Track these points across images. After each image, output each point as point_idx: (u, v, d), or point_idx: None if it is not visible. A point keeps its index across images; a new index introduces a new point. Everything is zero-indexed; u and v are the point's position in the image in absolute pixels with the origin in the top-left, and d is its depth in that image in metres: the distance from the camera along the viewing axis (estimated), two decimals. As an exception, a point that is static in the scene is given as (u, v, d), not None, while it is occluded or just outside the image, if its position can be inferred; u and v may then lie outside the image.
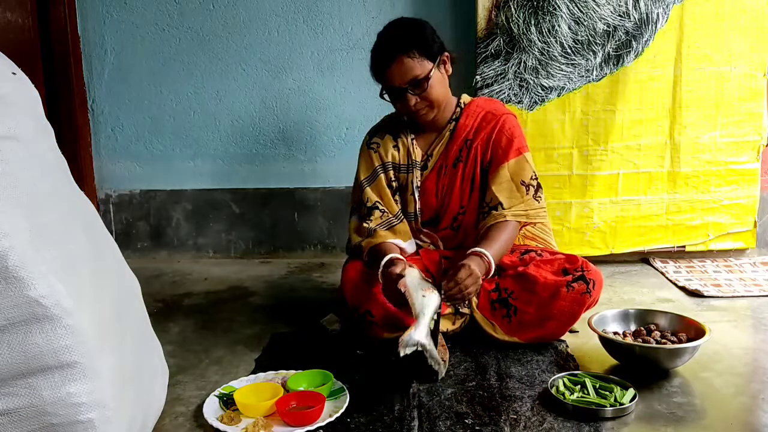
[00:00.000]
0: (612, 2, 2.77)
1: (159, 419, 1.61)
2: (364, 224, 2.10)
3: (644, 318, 2.00)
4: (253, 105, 3.13)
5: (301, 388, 1.71)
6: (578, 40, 2.80)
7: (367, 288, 2.00)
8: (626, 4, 2.77)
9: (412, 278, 1.82)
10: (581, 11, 2.77)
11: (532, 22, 2.79)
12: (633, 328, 1.98)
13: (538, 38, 2.80)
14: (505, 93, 2.85)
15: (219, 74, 3.11)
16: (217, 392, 1.72)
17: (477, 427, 1.55)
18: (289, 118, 3.13)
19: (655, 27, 2.79)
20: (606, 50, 2.81)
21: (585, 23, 2.78)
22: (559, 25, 2.79)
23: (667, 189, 2.91)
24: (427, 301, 1.75)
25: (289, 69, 3.08)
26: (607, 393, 1.65)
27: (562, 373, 1.75)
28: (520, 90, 2.85)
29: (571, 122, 2.86)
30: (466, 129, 2.11)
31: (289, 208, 3.20)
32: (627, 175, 2.90)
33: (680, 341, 1.83)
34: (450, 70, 2.08)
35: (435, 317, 1.77)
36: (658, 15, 2.78)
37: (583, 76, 2.83)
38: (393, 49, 1.98)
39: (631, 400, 1.61)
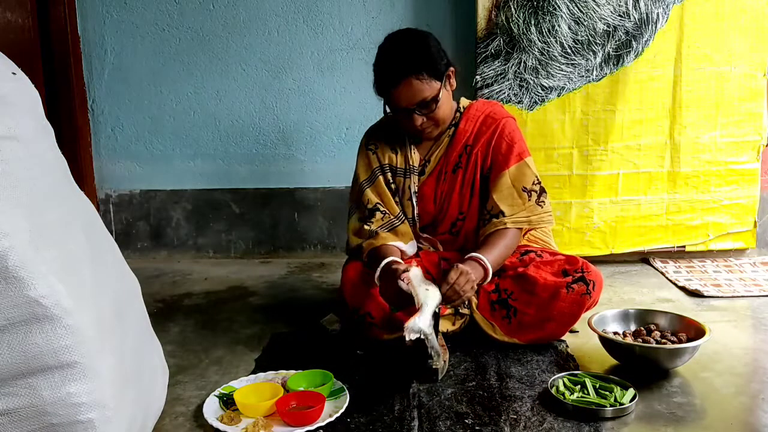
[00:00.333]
0: (612, 2, 2.76)
1: (159, 419, 1.61)
2: (366, 226, 2.07)
3: (644, 318, 2.00)
4: (253, 105, 3.13)
5: (301, 388, 1.71)
6: (578, 40, 2.80)
7: (367, 289, 1.99)
8: (626, 4, 2.77)
9: (415, 273, 1.82)
10: (581, 11, 2.77)
11: (532, 22, 2.79)
12: (633, 328, 1.98)
13: (538, 38, 2.80)
14: (505, 93, 2.85)
15: (219, 74, 3.11)
16: (217, 392, 1.72)
17: (477, 427, 1.55)
18: (289, 118, 3.13)
19: (655, 27, 2.79)
20: (606, 50, 2.81)
21: (585, 23, 2.78)
22: (559, 25, 2.78)
23: (667, 189, 2.91)
24: (430, 293, 1.75)
25: (289, 69, 3.08)
26: (607, 393, 1.65)
27: (562, 373, 1.75)
28: (520, 90, 2.85)
29: (571, 122, 2.86)
30: (465, 134, 2.09)
31: (289, 208, 3.20)
32: (627, 175, 2.90)
33: (680, 341, 1.83)
34: (455, 85, 2.04)
35: (437, 310, 1.77)
36: (658, 15, 2.78)
37: (583, 76, 2.83)
38: (400, 70, 1.91)
39: (631, 400, 1.61)
